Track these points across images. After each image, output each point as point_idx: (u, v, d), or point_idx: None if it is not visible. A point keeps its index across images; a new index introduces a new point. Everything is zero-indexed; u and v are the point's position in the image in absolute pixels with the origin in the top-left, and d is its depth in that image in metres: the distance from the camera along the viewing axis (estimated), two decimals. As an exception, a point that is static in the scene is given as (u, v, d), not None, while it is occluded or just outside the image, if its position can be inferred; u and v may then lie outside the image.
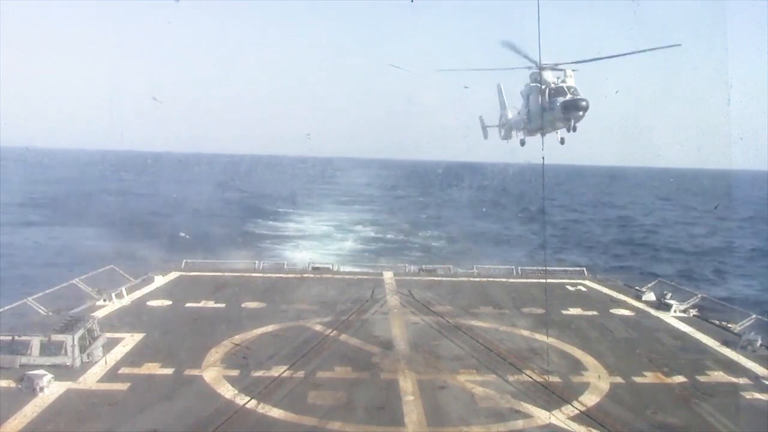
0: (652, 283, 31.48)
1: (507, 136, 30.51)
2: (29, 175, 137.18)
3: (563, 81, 24.81)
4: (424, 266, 37.10)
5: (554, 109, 24.44)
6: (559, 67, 24.70)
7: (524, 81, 25.89)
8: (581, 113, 24.17)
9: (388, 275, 32.97)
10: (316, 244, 70.19)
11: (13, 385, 16.41)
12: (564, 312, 26.27)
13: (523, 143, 29.01)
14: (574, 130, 24.59)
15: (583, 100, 24.09)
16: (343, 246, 70.01)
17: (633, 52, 23.60)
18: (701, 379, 18.71)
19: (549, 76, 25.03)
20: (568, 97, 24.09)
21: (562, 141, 25.59)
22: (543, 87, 25.12)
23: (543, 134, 26.20)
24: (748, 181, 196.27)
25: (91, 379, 17.29)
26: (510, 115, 29.97)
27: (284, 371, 18.03)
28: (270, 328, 22.52)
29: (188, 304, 25.69)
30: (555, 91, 24.54)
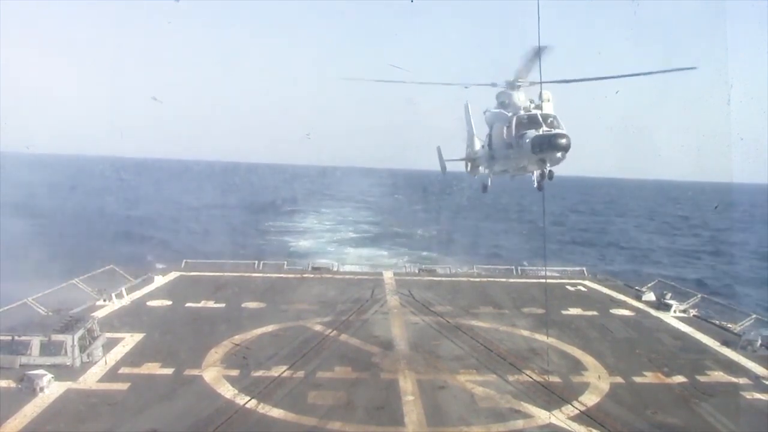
0: (652, 283, 31.50)
1: (474, 173, 24.23)
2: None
3: (537, 106, 18.60)
4: (424, 266, 37.18)
5: (522, 146, 18.14)
6: (537, 82, 18.39)
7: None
8: (559, 154, 17.61)
9: (388, 275, 33.00)
10: (320, 240, 71.25)
11: (13, 385, 16.39)
12: (564, 312, 26.25)
13: (485, 189, 23.47)
14: (550, 177, 17.87)
15: (562, 136, 17.61)
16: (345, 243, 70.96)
17: (604, 77, 18.39)
18: (701, 379, 18.70)
19: (520, 98, 18.99)
20: (542, 130, 17.76)
21: (540, 187, 18.76)
22: (510, 114, 18.94)
23: (512, 177, 20.79)
24: (748, 193, 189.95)
25: (91, 379, 17.28)
26: (478, 146, 23.79)
27: (284, 371, 18.01)
28: (270, 328, 22.51)
29: (188, 304, 25.67)
30: (525, 121, 18.35)
